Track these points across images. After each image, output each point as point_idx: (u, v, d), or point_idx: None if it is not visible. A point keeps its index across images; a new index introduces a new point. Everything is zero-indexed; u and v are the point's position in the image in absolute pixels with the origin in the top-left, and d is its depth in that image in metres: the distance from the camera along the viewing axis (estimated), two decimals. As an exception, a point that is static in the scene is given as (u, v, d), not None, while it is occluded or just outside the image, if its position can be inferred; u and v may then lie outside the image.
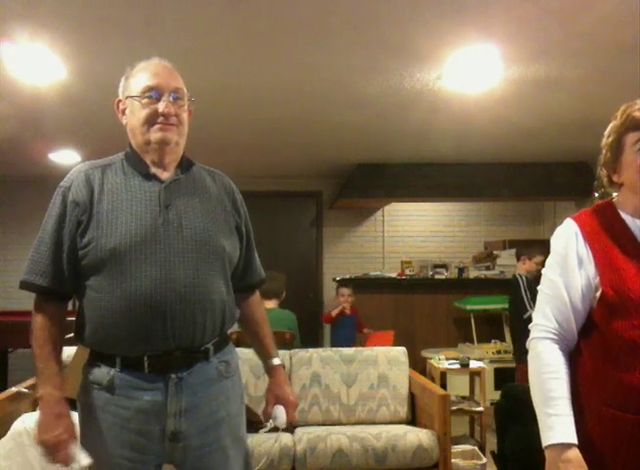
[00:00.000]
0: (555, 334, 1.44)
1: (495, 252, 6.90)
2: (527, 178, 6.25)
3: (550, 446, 1.35)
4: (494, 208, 7.41)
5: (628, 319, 1.36)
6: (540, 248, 4.85)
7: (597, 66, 3.50)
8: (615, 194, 1.55)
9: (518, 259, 5.01)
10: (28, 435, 2.63)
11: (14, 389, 3.06)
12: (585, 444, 1.36)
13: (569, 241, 1.47)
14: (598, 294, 1.41)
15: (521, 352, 4.54)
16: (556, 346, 1.44)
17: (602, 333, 1.41)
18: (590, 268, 1.43)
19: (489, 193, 6.36)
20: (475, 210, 7.42)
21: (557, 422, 1.36)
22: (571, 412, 1.37)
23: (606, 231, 1.46)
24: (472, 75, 3.59)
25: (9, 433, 2.77)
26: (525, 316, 4.44)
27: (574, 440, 1.34)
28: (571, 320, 1.44)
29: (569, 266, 1.45)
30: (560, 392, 1.39)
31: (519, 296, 4.66)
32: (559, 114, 4.48)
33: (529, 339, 1.48)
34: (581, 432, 1.36)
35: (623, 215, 1.47)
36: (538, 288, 1.52)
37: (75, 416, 1.60)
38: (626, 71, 3.46)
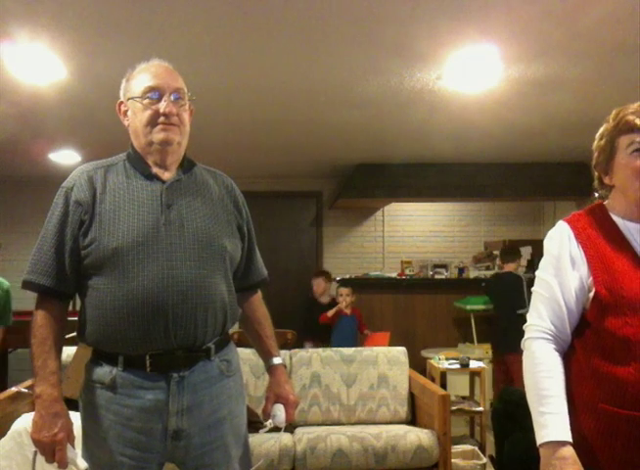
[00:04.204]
0: (549, 334, 1.45)
1: (495, 252, 6.90)
2: (528, 178, 6.25)
3: (544, 443, 1.36)
4: (494, 208, 7.41)
5: (621, 317, 1.38)
6: (511, 255, 5.49)
7: (597, 66, 3.50)
8: None
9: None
10: (28, 434, 2.62)
11: (14, 389, 3.06)
12: (580, 441, 1.36)
13: (562, 242, 1.49)
14: (591, 294, 1.43)
15: (507, 344, 4.80)
16: (550, 345, 1.45)
17: (595, 332, 1.43)
18: (583, 269, 1.45)
19: (490, 193, 6.36)
20: (475, 210, 7.42)
21: (551, 420, 1.36)
22: (566, 410, 1.38)
23: (598, 232, 1.48)
24: (472, 75, 3.59)
25: (9, 433, 2.78)
26: (520, 312, 4.58)
27: (569, 437, 1.35)
28: (565, 320, 1.45)
29: (562, 267, 1.47)
30: (554, 390, 1.40)
31: (519, 291, 4.90)
32: (559, 114, 4.48)
33: (524, 339, 1.50)
34: (576, 430, 1.37)
35: (614, 217, 1.50)
36: (532, 289, 1.54)
37: (75, 417, 1.59)
38: (626, 71, 3.46)
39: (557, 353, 1.45)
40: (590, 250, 1.46)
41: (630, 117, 1.46)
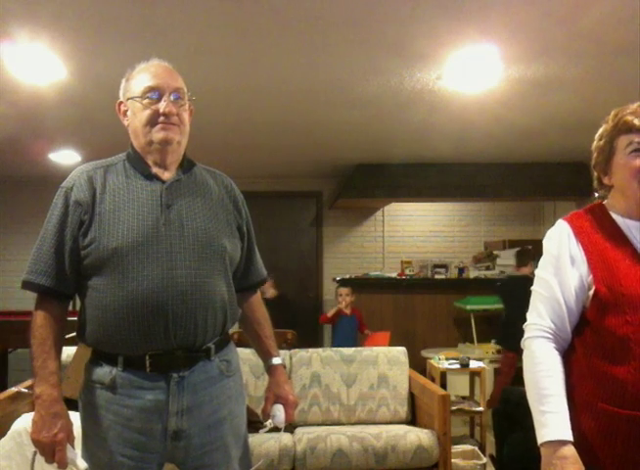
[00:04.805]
0: (549, 333, 1.46)
1: (495, 252, 6.91)
2: (528, 178, 6.26)
3: (545, 443, 1.36)
4: (494, 208, 7.41)
5: (621, 316, 1.38)
6: (522, 259, 5.52)
7: (597, 66, 3.50)
8: None
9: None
10: (28, 434, 2.63)
11: (14, 389, 3.06)
12: (580, 440, 1.37)
13: (561, 241, 1.49)
14: (591, 292, 1.43)
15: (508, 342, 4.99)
16: (550, 344, 1.45)
17: (595, 330, 1.43)
18: (583, 267, 1.45)
19: (490, 193, 6.36)
20: (475, 210, 7.42)
21: (551, 419, 1.36)
22: (566, 409, 1.38)
23: (597, 231, 1.49)
24: (472, 75, 3.60)
25: (9, 433, 2.77)
26: None
27: (570, 436, 1.35)
28: (564, 319, 1.46)
29: (562, 266, 1.47)
30: (554, 389, 1.40)
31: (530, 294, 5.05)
32: (559, 114, 4.48)
33: (524, 338, 1.50)
34: (576, 429, 1.37)
35: (614, 216, 1.51)
36: (532, 288, 1.53)
37: (75, 417, 1.59)
38: (626, 71, 3.46)
39: (557, 352, 1.45)
40: (590, 248, 1.46)
41: (629, 118, 1.46)
